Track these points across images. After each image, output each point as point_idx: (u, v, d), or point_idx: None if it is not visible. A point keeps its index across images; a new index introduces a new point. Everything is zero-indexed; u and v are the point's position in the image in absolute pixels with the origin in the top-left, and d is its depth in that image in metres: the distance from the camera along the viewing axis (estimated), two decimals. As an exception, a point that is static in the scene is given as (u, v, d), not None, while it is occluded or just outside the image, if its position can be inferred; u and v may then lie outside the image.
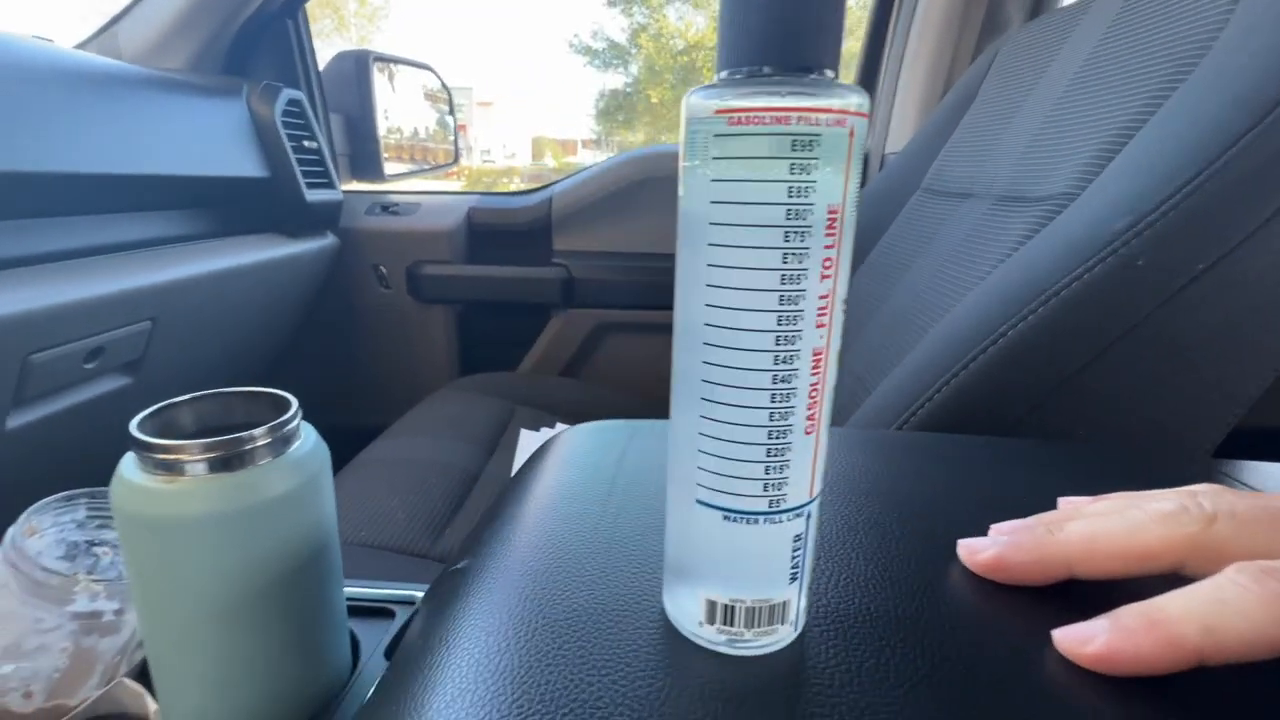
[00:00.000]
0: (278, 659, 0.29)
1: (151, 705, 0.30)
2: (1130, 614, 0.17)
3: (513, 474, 0.72)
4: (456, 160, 1.41)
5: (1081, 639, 0.17)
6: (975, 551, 0.21)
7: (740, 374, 0.15)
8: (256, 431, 0.27)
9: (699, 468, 0.16)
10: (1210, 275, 0.36)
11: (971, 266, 0.54)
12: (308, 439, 0.30)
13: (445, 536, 0.60)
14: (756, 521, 0.16)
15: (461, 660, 0.18)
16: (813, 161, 0.13)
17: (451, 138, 1.48)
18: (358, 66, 1.14)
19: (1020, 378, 0.38)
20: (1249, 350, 0.38)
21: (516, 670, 0.17)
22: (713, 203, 0.14)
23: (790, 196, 0.13)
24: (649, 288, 1.05)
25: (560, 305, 1.08)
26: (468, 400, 0.91)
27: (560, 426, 0.87)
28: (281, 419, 0.28)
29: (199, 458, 0.26)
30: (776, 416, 0.15)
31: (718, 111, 0.13)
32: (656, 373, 1.10)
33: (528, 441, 0.80)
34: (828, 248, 0.14)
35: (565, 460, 0.31)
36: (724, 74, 0.14)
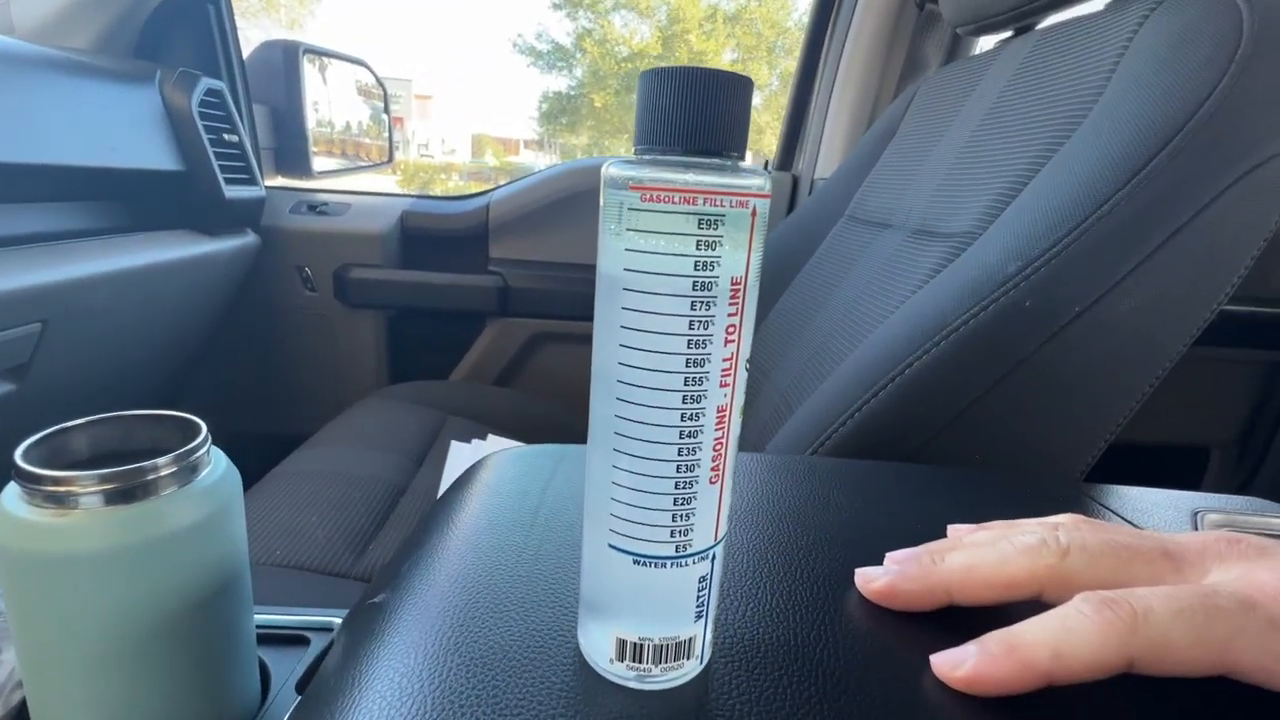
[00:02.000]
0: (177, 697, 0.28)
1: (31, 751, 0.28)
2: (994, 640, 0.19)
3: (441, 488, 0.71)
4: (391, 159, 1.37)
5: (953, 663, 0.19)
6: (869, 580, 0.23)
7: (650, 429, 0.16)
8: (161, 460, 0.26)
9: (611, 514, 0.17)
10: (1085, 317, 0.40)
11: (887, 295, 0.58)
12: (217, 465, 0.29)
13: (368, 554, 0.59)
14: (664, 565, 0.17)
15: (373, 702, 0.18)
16: (717, 238, 0.14)
17: (386, 134, 1.44)
18: (286, 57, 1.09)
19: (922, 407, 0.41)
20: (1116, 384, 0.43)
21: (429, 713, 0.17)
22: (625, 269, 0.15)
23: (696, 269, 0.14)
24: (586, 298, 1.05)
25: (496, 313, 1.07)
26: (396, 409, 0.88)
27: (492, 438, 0.86)
28: (188, 446, 0.27)
29: (94, 489, 0.25)
30: (683, 469, 0.16)
31: (632, 186, 0.14)
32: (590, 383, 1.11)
33: (458, 454, 0.79)
34: (731, 315, 0.15)
35: (490, 487, 0.31)
36: (640, 149, 0.15)
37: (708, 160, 0.15)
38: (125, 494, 0.25)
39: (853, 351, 0.50)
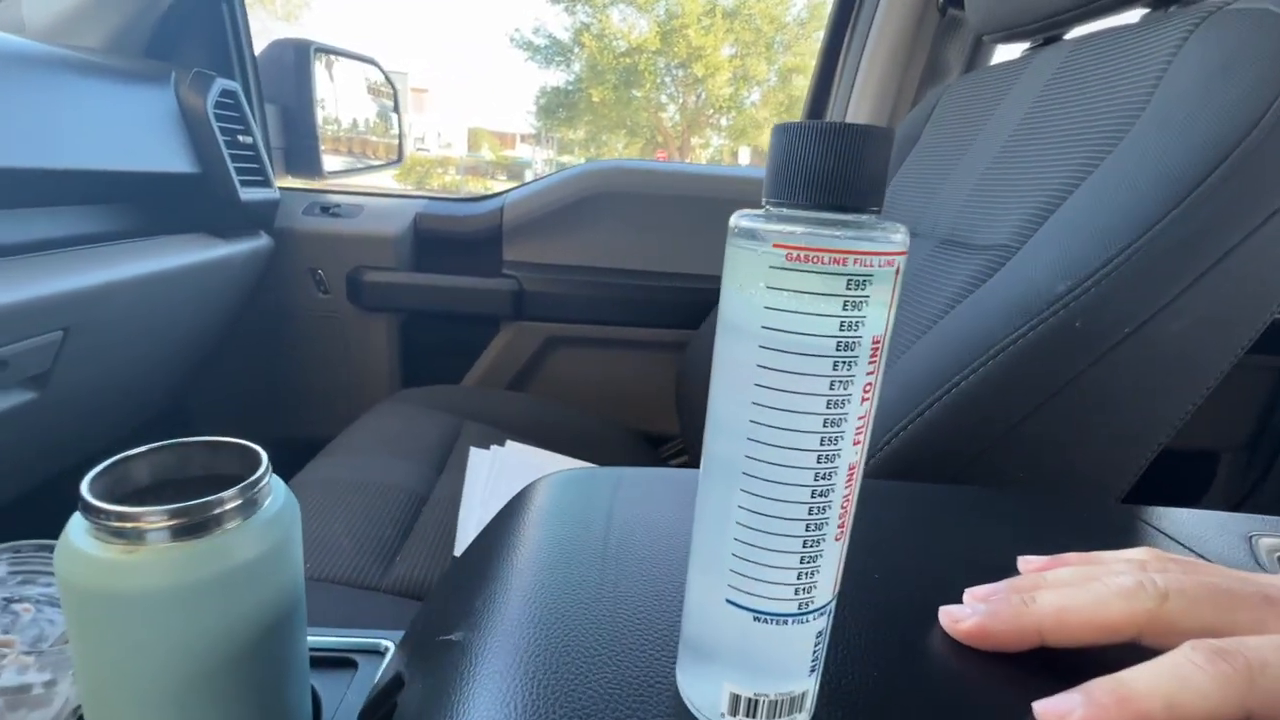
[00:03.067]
0: (237, 728, 0.28)
1: (89, 784, 0.27)
2: (1101, 689, 0.19)
3: (464, 497, 0.70)
4: (401, 159, 1.35)
5: (1060, 712, 0.19)
6: (957, 620, 0.23)
7: (782, 488, 0.15)
8: (227, 493, 0.25)
9: (731, 570, 0.16)
10: (1135, 337, 0.40)
11: (920, 307, 0.58)
12: (278, 495, 0.28)
13: (395, 565, 0.58)
14: (785, 623, 0.16)
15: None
16: (864, 298, 0.14)
17: (395, 133, 1.42)
18: (297, 56, 1.08)
19: (969, 427, 0.41)
20: (1162, 404, 0.43)
21: (540, 769, 0.17)
22: (764, 327, 0.14)
23: (841, 330, 0.14)
24: (602, 302, 1.05)
25: (510, 317, 1.06)
26: (412, 415, 0.88)
27: (510, 444, 0.85)
28: (252, 478, 0.27)
29: (162, 525, 0.24)
30: (812, 527, 0.15)
31: (776, 245, 0.14)
32: (607, 388, 1.10)
33: (478, 460, 0.79)
34: (869, 374, 0.15)
35: (550, 514, 0.31)
36: (774, 202, 0.15)
37: (850, 218, 0.14)
38: (192, 529, 0.25)
39: (890, 368, 0.50)
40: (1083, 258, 0.41)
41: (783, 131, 0.14)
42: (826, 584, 0.16)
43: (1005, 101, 0.66)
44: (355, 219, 1.04)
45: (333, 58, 1.24)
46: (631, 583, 0.25)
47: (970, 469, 0.42)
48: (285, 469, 0.74)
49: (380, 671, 0.33)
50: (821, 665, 0.18)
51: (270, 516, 0.27)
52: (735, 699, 0.17)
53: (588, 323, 1.06)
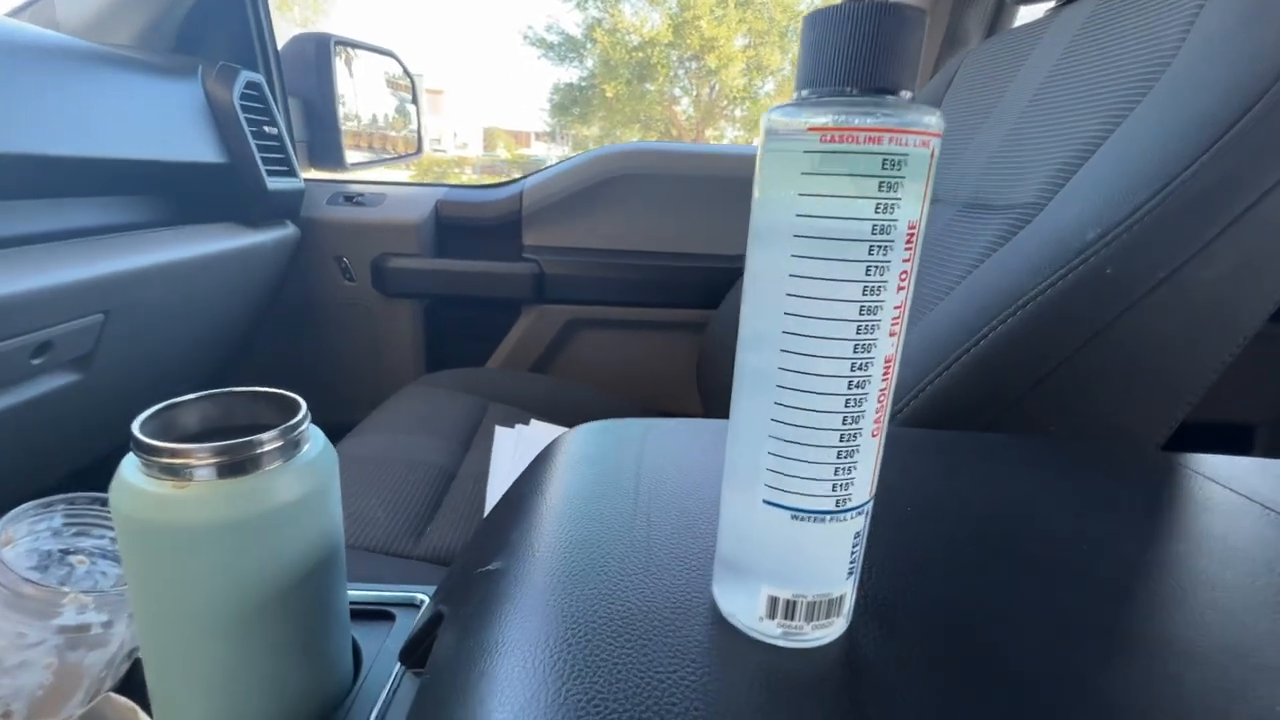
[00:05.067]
0: (284, 667, 0.29)
1: (144, 718, 0.28)
2: None
3: (490, 473, 0.71)
4: (420, 150, 1.37)
5: None
6: None
7: (818, 380, 0.15)
8: (266, 435, 0.26)
9: (768, 469, 0.16)
10: (1168, 283, 0.39)
11: (943, 270, 0.57)
12: (316, 442, 0.29)
13: (426, 536, 0.59)
14: (824, 520, 0.16)
15: (514, 665, 0.18)
16: (899, 180, 0.14)
17: (414, 126, 1.44)
18: (318, 50, 1.10)
19: (997, 379, 0.41)
20: (1196, 353, 0.42)
21: (577, 669, 0.17)
22: (798, 215, 0.15)
23: (877, 213, 0.14)
24: (621, 284, 1.05)
25: (531, 300, 1.07)
26: (438, 396, 0.89)
27: (534, 423, 0.86)
28: (292, 421, 0.28)
29: (208, 462, 0.25)
30: (849, 420, 0.16)
31: (810, 129, 0.14)
32: (628, 369, 1.11)
33: (503, 439, 0.80)
34: (905, 261, 0.15)
35: (580, 459, 0.31)
36: (806, 92, 0.15)
37: (884, 99, 0.14)
38: (235, 467, 0.26)
39: (913, 326, 0.49)
40: (1113, 205, 0.40)
41: (812, 19, 0.15)
42: (864, 481, 0.17)
43: (1028, 62, 0.65)
44: (378, 207, 1.05)
45: (353, 51, 1.26)
46: (664, 513, 0.25)
47: (1001, 421, 0.41)
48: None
49: (418, 617, 0.34)
50: (859, 569, 0.18)
51: (309, 461, 0.28)
52: (774, 601, 0.17)
53: (608, 304, 1.06)
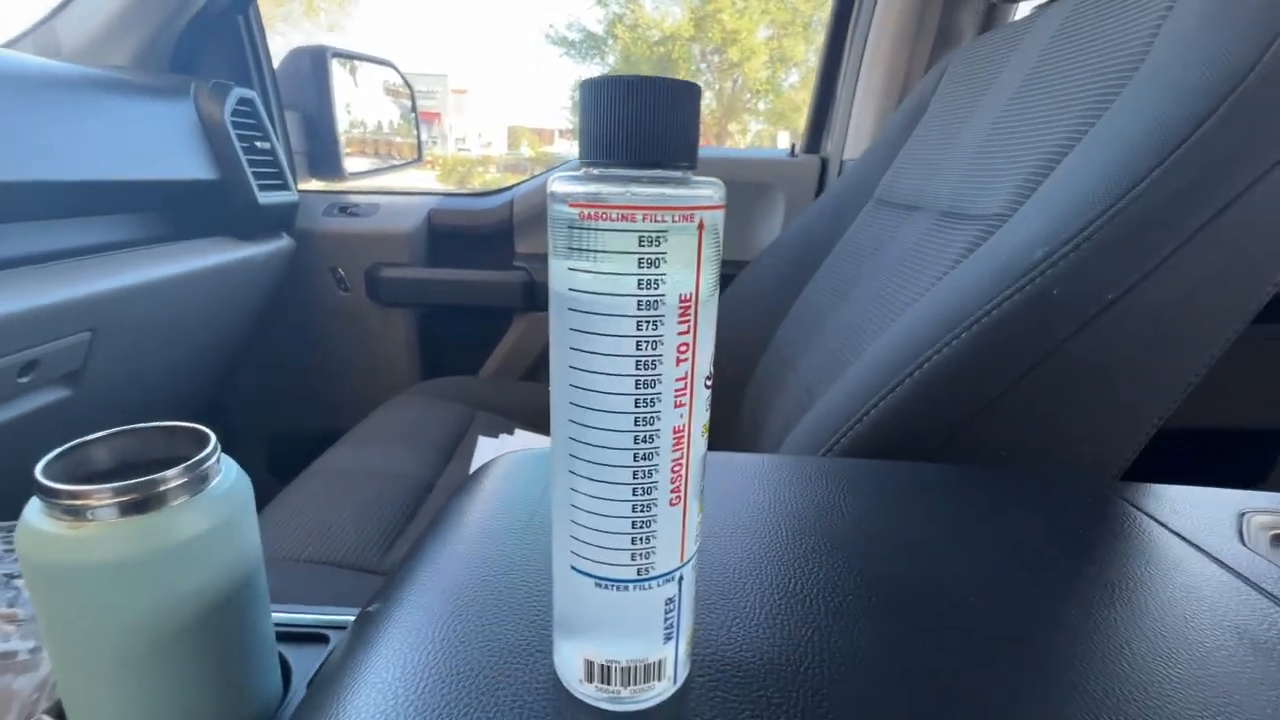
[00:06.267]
0: (197, 694, 0.29)
1: (71, 742, 0.29)
2: None
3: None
4: (420, 157, 1.39)
5: None
6: None
7: (603, 452, 0.15)
8: (170, 472, 0.27)
9: (572, 536, 0.16)
10: (1121, 304, 0.37)
11: (912, 282, 0.56)
12: (228, 474, 0.30)
13: (395, 550, 0.60)
14: (626, 589, 0.16)
15: (354, 716, 0.18)
16: (660, 255, 0.14)
17: (415, 132, 1.46)
18: (314, 63, 1.12)
19: (944, 401, 0.39)
20: (1159, 374, 0.40)
21: (402, 730, 0.17)
22: (570, 289, 0.14)
23: (640, 288, 0.14)
24: None
25: (523, 309, 1.08)
26: (427, 406, 0.90)
27: (519, 433, 0.87)
28: (197, 457, 0.28)
29: (108, 502, 0.26)
30: (640, 491, 0.15)
31: (571, 204, 0.14)
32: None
33: (485, 449, 0.80)
34: (682, 333, 0.15)
35: (491, 494, 0.31)
36: (585, 162, 0.15)
37: (652, 174, 0.14)
38: (138, 505, 0.26)
39: (875, 342, 0.48)
40: (1063, 222, 0.38)
41: (586, 88, 0.14)
42: (669, 550, 0.16)
43: (1010, 64, 0.63)
44: (371, 218, 1.07)
45: (355, 63, 1.28)
46: (542, 559, 0.25)
47: (948, 448, 0.40)
48: (311, 459, 0.77)
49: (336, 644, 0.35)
50: (682, 633, 0.18)
51: (219, 495, 0.29)
52: (590, 665, 0.17)
53: (599, 312, 1.06)
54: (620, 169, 0.14)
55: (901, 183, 0.73)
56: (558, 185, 0.14)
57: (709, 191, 0.14)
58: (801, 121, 1.11)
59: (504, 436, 0.85)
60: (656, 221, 0.13)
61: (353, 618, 0.39)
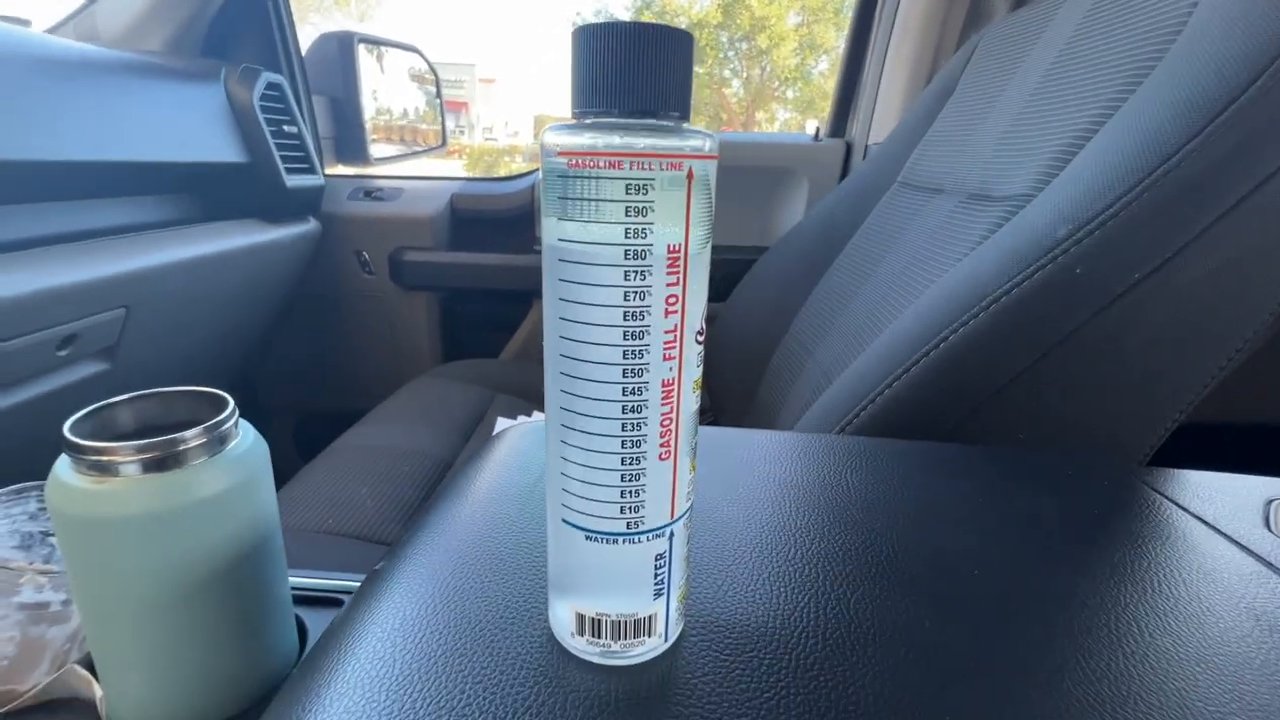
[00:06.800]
0: (217, 646, 0.30)
1: (98, 690, 0.31)
2: None
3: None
4: (444, 143, 1.40)
5: None
6: None
7: (592, 404, 0.15)
8: (190, 432, 0.28)
9: (562, 489, 0.17)
10: (1148, 284, 0.36)
11: (934, 265, 0.54)
12: (245, 437, 0.31)
13: (412, 523, 0.61)
14: (616, 542, 0.16)
15: (354, 666, 0.19)
16: (648, 204, 0.14)
17: (439, 119, 1.47)
18: (341, 49, 1.13)
19: (959, 382, 0.39)
20: (1184, 358, 0.39)
21: (401, 678, 0.18)
22: (559, 239, 0.14)
23: (627, 237, 0.14)
24: None
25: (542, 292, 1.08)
26: (447, 387, 0.92)
27: (537, 415, 0.88)
28: (216, 419, 0.29)
29: (132, 458, 0.27)
30: (629, 444, 0.15)
31: (560, 153, 0.14)
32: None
33: (503, 430, 0.81)
34: (671, 285, 0.14)
35: (499, 462, 0.32)
36: (577, 112, 0.15)
37: (642, 122, 0.14)
38: (160, 463, 0.27)
39: (893, 323, 0.48)
40: (1088, 199, 0.37)
41: (578, 35, 0.14)
42: (659, 504, 0.16)
43: (1040, 42, 0.61)
44: (395, 202, 1.09)
45: (379, 47, 1.29)
46: (541, 520, 0.25)
47: (964, 429, 0.40)
48: (332, 437, 0.79)
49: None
50: (673, 590, 0.18)
51: (236, 456, 0.30)
52: (581, 618, 0.18)
53: (618, 297, 1.06)
54: (612, 118, 0.14)
55: (926, 165, 0.71)
56: (549, 136, 0.15)
57: (699, 141, 0.14)
58: (829, 105, 1.09)
59: (522, 418, 0.86)
60: (644, 169, 0.13)
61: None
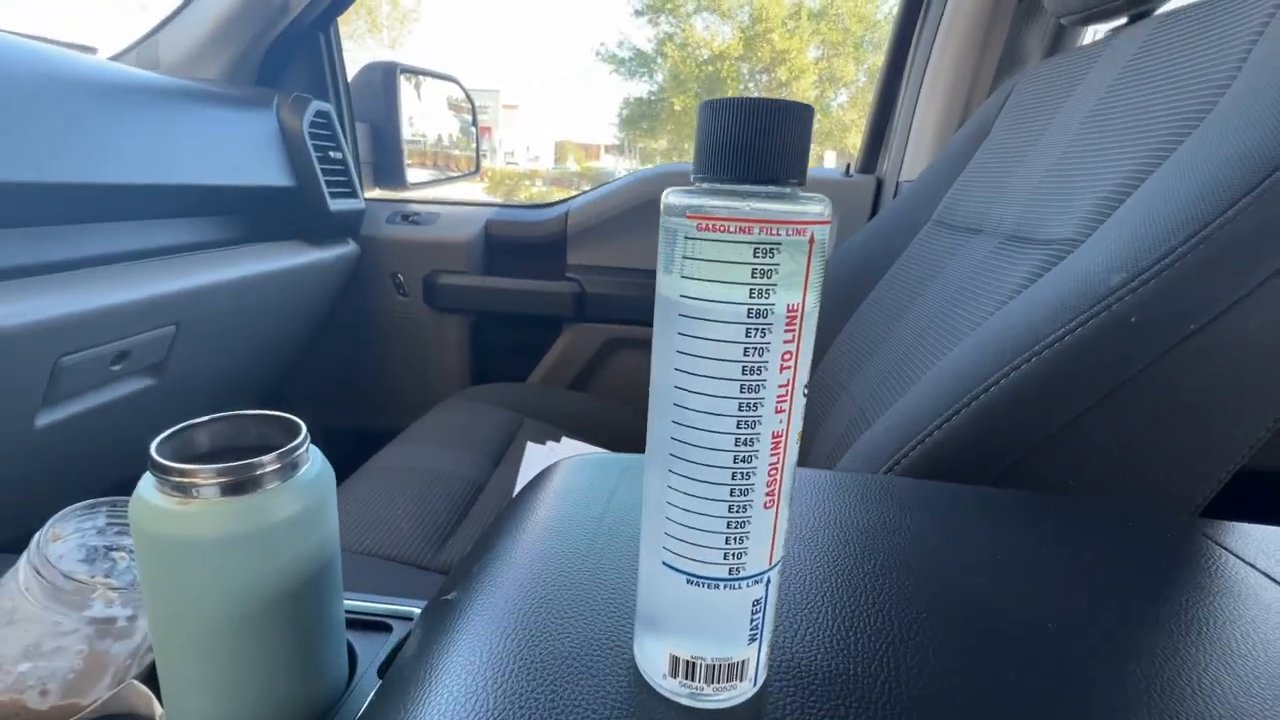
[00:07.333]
0: (278, 669, 0.31)
1: (158, 708, 0.31)
2: None
3: (516, 488, 0.74)
4: (478, 170, 1.43)
5: None
6: None
7: (704, 452, 0.16)
8: (266, 458, 0.29)
9: (665, 533, 0.17)
10: (1203, 335, 0.36)
11: (974, 306, 0.55)
12: (315, 463, 0.32)
13: (447, 548, 0.62)
14: (717, 587, 0.17)
15: (442, 698, 0.19)
16: (773, 266, 0.14)
17: (473, 145, 1.51)
18: (385, 77, 1.17)
19: (1010, 427, 0.39)
20: (1240, 409, 0.39)
21: (490, 712, 0.18)
22: (682, 296, 0.15)
23: (752, 297, 0.15)
24: None
25: (572, 319, 1.10)
26: (477, 410, 0.93)
27: (566, 441, 0.88)
28: (291, 445, 0.30)
29: (211, 481, 0.28)
30: (737, 492, 0.16)
31: (689, 215, 0.15)
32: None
33: (533, 455, 0.82)
34: (787, 342, 0.15)
35: (558, 493, 0.32)
36: (699, 177, 0.16)
37: (765, 189, 0.15)
38: (237, 487, 0.28)
39: (935, 364, 0.48)
40: (1144, 247, 0.38)
41: (705, 109, 0.15)
42: (760, 551, 0.17)
43: (1081, 86, 0.62)
44: (432, 226, 1.11)
45: (420, 78, 1.33)
46: (615, 558, 0.26)
47: (1012, 475, 0.39)
48: (365, 456, 0.80)
49: (401, 634, 0.36)
50: (765, 636, 0.18)
51: (307, 481, 0.30)
52: (675, 660, 0.18)
53: (646, 325, 1.07)
54: (732, 184, 0.15)
55: (963, 205, 0.72)
56: (674, 198, 0.15)
57: (819, 208, 0.15)
58: (849, 141, 1.11)
59: (551, 443, 0.86)
60: (771, 234, 0.14)
61: (416, 609, 0.41)
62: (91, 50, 0.88)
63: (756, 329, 0.15)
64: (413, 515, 0.64)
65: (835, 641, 0.21)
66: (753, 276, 0.14)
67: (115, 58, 0.92)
